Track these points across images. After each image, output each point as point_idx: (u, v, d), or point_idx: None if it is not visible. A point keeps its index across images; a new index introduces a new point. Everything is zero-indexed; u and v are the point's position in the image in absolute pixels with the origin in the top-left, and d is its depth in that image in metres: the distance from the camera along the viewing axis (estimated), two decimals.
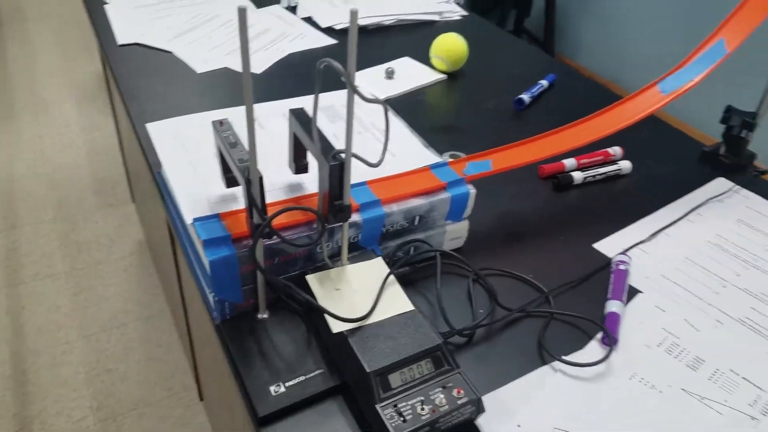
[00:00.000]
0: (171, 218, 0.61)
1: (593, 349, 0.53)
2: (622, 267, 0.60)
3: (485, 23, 1.22)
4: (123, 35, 1.03)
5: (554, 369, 0.51)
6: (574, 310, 0.57)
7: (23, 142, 2.23)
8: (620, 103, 0.71)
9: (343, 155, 0.49)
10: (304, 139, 0.53)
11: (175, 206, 0.58)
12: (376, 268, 0.54)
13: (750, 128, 0.77)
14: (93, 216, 1.92)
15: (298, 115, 0.55)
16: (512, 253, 0.65)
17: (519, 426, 0.47)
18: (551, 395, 0.49)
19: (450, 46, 0.98)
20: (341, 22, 1.11)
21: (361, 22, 1.12)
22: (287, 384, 0.48)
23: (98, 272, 1.72)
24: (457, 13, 1.22)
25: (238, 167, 0.48)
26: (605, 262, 0.63)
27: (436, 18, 1.19)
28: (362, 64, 1.00)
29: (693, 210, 0.71)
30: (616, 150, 0.79)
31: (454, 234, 0.63)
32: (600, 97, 0.95)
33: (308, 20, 1.13)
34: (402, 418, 0.44)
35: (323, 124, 0.69)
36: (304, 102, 0.77)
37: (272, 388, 0.48)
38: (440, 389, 0.46)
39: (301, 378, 0.49)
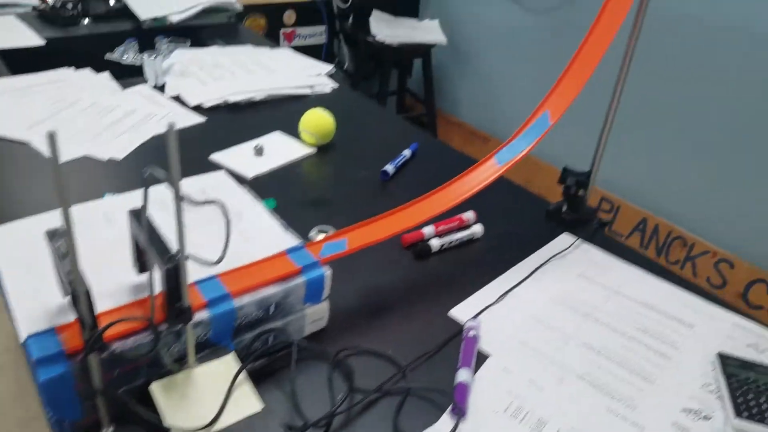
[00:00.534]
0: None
1: (444, 423, 0.55)
2: (471, 334, 0.64)
3: (355, 95, 1.28)
4: None
5: None
6: (430, 382, 0.59)
7: None
8: (465, 174, 0.76)
9: (178, 257, 0.49)
10: (142, 240, 0.53)
11: (12, 319, 0.54)
12: (227, 366, 0.54)
13: (584, 186, 0.85)
14: None
15: (137, 215, 0.54)
16: (374, 329, 0.66)
17: None
18: None
19: (317, 122, 1.02)
20: (210, 99, 1.12)
21: (232, 98, 1.13)
22: None
23: None
24: (328, 85, 1.27)
25: (63, 281, 0.47)
26: (459, 329, 0.66)
27: (307, 92, 1.23)
28: (232, 141, 1.01)
29: (538, 268, 0.76)
30: (469, 215, 0.84)
31: (315, 316, 0.64)
32: (455, 165, 1.01)
33: (177, 99, 1.13)
34: None
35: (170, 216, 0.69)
36: (161, 190, 0.76)
37: None
38: None
39: None
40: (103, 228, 0.64)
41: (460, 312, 0.69)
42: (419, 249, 0.78)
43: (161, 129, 1.02)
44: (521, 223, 0.87)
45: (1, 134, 0.96)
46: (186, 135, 1.03)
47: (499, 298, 0.71)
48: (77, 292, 0.45)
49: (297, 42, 2.60)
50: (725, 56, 1.71)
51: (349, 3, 2.52)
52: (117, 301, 0.54)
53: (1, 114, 1.01)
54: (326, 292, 0.64)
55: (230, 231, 0.51)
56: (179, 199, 0.46)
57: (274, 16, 2.44)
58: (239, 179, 0.90)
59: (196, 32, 1.51)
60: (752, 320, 0.71)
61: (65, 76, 1.17)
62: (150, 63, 1.14)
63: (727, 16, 1.69)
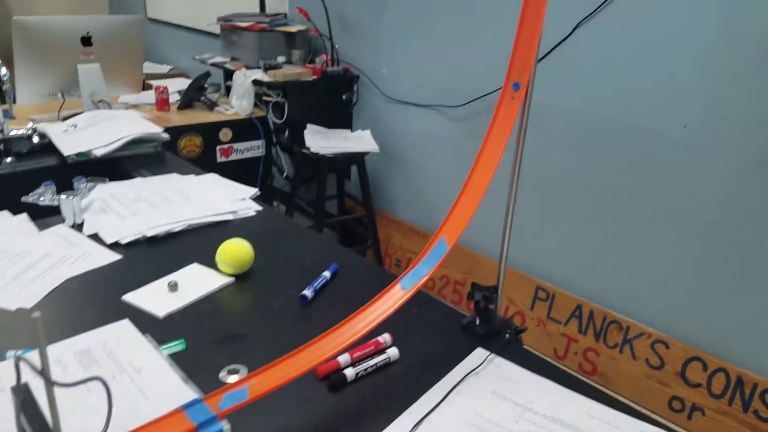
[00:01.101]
0: None
1: None
2: None
3: (279, 216, 1.31)
4: None
5: None
6: None
7: None
8: (371, 303, 0.78)
9: None
10: (22, 421, 0.51)
11: None
12: None
13: (492, 301, 0.88)
14: None
15: (23, 392, 0.53)
16: None
17: None
18: None
19: (234, 253, 1.02)
20: (128, 235, 1.12)
21: (149, 233, 1.14)
22: None
23: None
24: (252, 209, 1.30)
25: None
26: None
27: (230, 217, 1.25)
28: (147, 278, 1.00)
29: (453, 389, 0.77)
30: (386, 337, 0.85)
31: None
32: (375, 283, 1.03)
33: (95, 237, 1.13)
34: None
35: (77, 372, 0.67)
36: (62, 348, 0.74)
37: None
38: None
39: None
40: None
41: None
42: (333, 381, 0.77)
43: (75, 272, 1.01)
44: (437, 338, 0.88)
45: None
46: (101, 274, 1.02)
47: (413, 428, 0.70)
48: None
49: (235, 156, 2.66)
50: (620, 150, 1.86)
51: (285, 119, 2.63)
52: None
53: None
54: None
55: (112, 407, 0.50)
56: (50, 384, 0.45)
57: (209, 135, 2.51)
58: (151, 319, 0.89)
59: (120, 164, 1.54)
60: (663, 429, 0.72)
61: None
62: (67, 203, 1.15)
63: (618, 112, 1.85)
